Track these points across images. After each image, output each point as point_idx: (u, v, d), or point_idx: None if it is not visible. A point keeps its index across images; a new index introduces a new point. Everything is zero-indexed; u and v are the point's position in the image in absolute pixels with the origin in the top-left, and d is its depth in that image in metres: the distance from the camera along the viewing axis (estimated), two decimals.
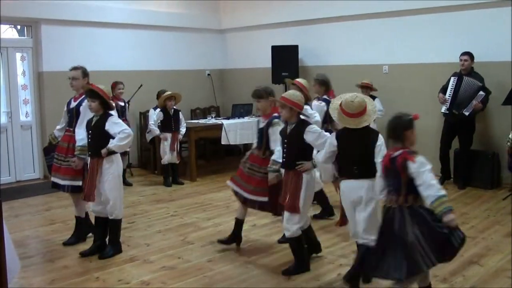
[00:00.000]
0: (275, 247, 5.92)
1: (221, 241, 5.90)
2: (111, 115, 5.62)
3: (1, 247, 3.42)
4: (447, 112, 8.42)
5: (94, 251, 5.72)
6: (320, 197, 6.82)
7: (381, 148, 4.31)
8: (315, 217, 6.81)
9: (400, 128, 4.00)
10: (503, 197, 7.75)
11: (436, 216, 3.86)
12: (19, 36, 9.87)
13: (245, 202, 5.66)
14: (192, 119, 11.21)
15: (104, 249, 5.72)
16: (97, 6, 10.19)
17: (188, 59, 11.85)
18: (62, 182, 5.97)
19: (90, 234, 6.16)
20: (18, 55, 9.62)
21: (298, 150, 4.97)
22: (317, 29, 10.86)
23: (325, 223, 6.72)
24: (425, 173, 3.84)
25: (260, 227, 6.66)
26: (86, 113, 5.85)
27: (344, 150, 4.51)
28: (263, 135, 5.57)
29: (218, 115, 11.34)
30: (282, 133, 5.14)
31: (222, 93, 12.45)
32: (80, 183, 5.92)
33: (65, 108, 6.21)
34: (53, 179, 6.10)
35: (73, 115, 6.01)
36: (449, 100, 8.35)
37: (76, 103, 6.03)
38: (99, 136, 5.53)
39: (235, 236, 5.88)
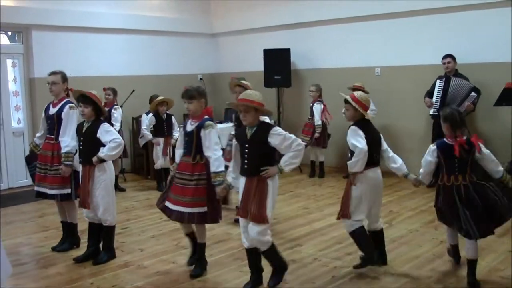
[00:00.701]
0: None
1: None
2: (103, 122, 5.60)
3: None
4: (436, 114, 8.44)
5: (88, 257, 5.69)
6: None
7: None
8: None
9: (464, 119, 4.91)
10: None
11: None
12: (10, 42, 9.84)
13: (183, 219, 5.07)
14: None
15: (98, 255, 5.69)
16: (88, 11, 10.17)
17: (180, 64, 11.84)
18: (50, 192, 5.91)
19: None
20: (9, 62, 9.60)
21: (261, 155, 4.61)
22: (309, 32, 10.88)
23: (320, 225, 6.72)
24: (491, 153, 4.79)
25: None
26: (69, 120, 5.81)
27: (368, 140, 4.97)
28: (192, 139, 5.04)
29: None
30: (241, 138, 4.75)
31: (215, 97, 12.42)
32: (69, 190, 5.90)
33: (43, 115, 6.13)
34: (37, 188, 6.06)
35: (54, 122, 5.92)
36: (437, 102, 8.39)
37: (56, 109, 5.94)
38: (91, 143, 5.51)
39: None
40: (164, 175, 9.24)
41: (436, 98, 8.42)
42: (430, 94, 8.60)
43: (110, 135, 5.47)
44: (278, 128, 4.68)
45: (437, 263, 5.41)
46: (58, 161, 5.83)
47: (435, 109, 8.42)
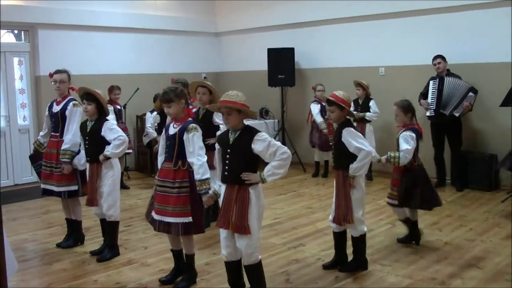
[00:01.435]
0: (273, 249, 5.93)
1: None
2: (107, 120, 5.64)
3: (1, 249, 3.44)
4: (433, 115, 8.46)
5: (103, 250, 5.80)
6: None
7: None
8: None
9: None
10: (502, 199, 7.78)
11: None
12: (16, 40, 9.88)
13: (169, 231, 4.76)
14: None
15: (102, 253, 5.75)
16: (93, 10, 10.21)
17: (184, 62, 11.85)
18: (57, 189, 5.96)
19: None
20: (16, 60, 9.65)
21: (244, 162, 4.26)
22: (313, 31, 10.89)
23: (323, 225, 6.73)
24: None
25: None
26: (72, 118, 5.87)
27: None
28: (174, 143, 4.72)
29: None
30: (223, 142, 4.41)
31: (219, 95, 12.45)
32: (75, 187, 5.95)
33: (47, 113, 6.18)
34: (43, 186, 6.11)
35: (58, 120, 5.99)
36: (433, 103, 8.41)
37: (60, 107, 6.00)
38: (96, 141, 5.56)
39: None
40: None
41: (432, 99, 8.45)
42: (424, 95, 8.65)
43: (114, 133, 5.50)
44: (263, 133, 4.28)
45: (442, 264, 5.41)
46: None
47: (432, 110, 8.44)
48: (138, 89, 9.98)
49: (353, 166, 4.95)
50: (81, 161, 5.86)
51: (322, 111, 9.50)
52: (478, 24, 8.60)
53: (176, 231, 4.70)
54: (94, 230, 6.62)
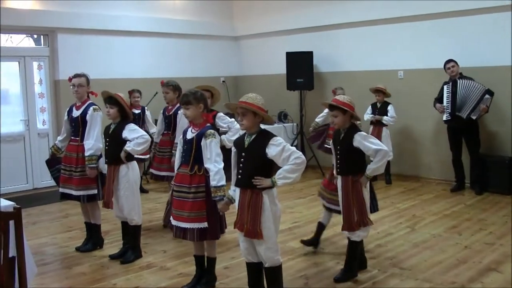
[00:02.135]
0: (291, 253, 5.92)
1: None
2: (128, 123, 5.67)
3: (21, 252, 3.48)
4: (449, 118, 8.42)
5: (123, 254, 5.83)
6: None
7: None
8: None
9: None
10: None
11: None
12: (35, 45, 9.97)
13: (185, 237, 4.74)
14: None
15: (125, 254, 5.80)
16: (112, 14, 10.29)
17: (203, 66, 11.88)
18: (76, 193, 5.98)
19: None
20: (35, 64, 9.74)
21: (258, 166, 4.22)
22: (331, 35, 10.86)
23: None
24: None
25: None
26: (93, 122, 5.90)
27: None
28: (191, 148, 4.71)
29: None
30: (238, 145, 4.39)
31: (237, 99, 12.40)
32: (95, 191, 5.98)
33: (66, 117, 6.20)
34: (62, 190, 6.12)
35: (79, 124, 6.00)
36: (448, 107, 8.38)
37: (79, 111, 6.02)
38: (116, 144, 5.60)
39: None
40: None
41: (446, 103, 8.42)
42: (438, 100, 8.63)
43: (137, 133, 5.56)
44: (279, 138, 4.23)
45: (461, 268, 5.36)
46: (83, 163, 5.90)
47: (447, 114, 8.40)
48: (156, 93, 10.01)
49: (371, 167, 4.90)
50: (102, 164, 5.91)
51: None
52: (496, 27, 8.51)
53: (191, 237, 4.69)
54: (113, 234, 6.66)
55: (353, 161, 4.99)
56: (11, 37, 9.68)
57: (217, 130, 6.37)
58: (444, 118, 8.52)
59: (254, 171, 4.21)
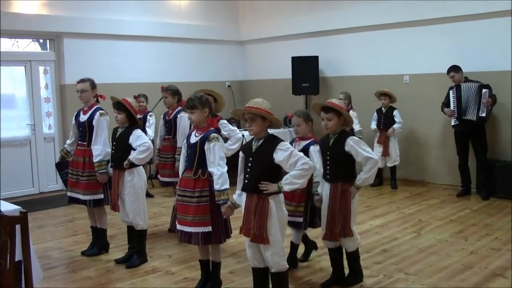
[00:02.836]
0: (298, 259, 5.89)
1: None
2: (136, 128, 5.68)
3: (27, 256, 3.50)
4: (457, 123, 8.42)
5: (129, 258, 5.83)
6: None
7: None
8: None
9: None
10: None
11: None
12: (41, 50, 10.00)
13: (190, 241, 4.72)
14: None
15: (131, 259, 5.81)
16: (118, 19, 10.32)
17: (208, 71, 11.89)
18: (83, 197, 6.00)
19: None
20: (41, 69, 9.77)
21: (265, 171, 4.21)
22: (337, 39, 10.85)
23: None
24: None
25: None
26: (100, 127, 5.91)
27: None
28: (195, 152, 4.70)
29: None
30: (246, 150, 4.40)
31: (243, 104, 12.32)
32: (101, 196, 6.00)
33: (74, 121, 6.23)
34: (70, 194, 6.15)
35: (85, 129, 6.02)
36: (455, 111, 8.38)
37: (86, 116, 6.04)
38: (122, 148, 5.61)
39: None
40: None
41: (453, 108, 8.40)
42: (446, 105, 8.64)
43: (140, 140, 5.55)
44: (286, 143, 4.25)
45: (467, 274, 5.33)
46: (90, 167, 5.92)
47: (455, 119, 8.40)
48: (162, 98, 10.02)
49: (362, 177, 4.75)
50: (108, 167, 5.93)
51: None
52: (502, 31, 8.49)
53: (196, 241, 4.68)
54: (119, 239, 6.66)
55: (344, 168, 4.83)
56: (17, 41, 9.71)
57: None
58: (453, 123, 8.51)
59: (261, 176, 4.19)
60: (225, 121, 6.43)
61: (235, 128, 6.39)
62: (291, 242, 5.56)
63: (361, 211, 7.69)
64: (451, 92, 8.48)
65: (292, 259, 5.46)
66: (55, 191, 9.70)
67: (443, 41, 9.23)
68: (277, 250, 4.26)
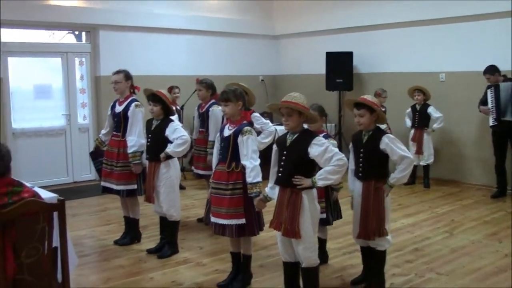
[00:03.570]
0: (328, 254, 5.87)
1: None
2: (172, 120, 5.72)
3: (64, 242, 3.56)
4: (496, 124, 8.24)
5: (161, 249, 5.90)
6: None
7: None
8: None
9: None
10: None
11: None
12: (77, 41, 10.14)
13: (223, 233, 4.76)
14: None
15: (162, 249, 5.87)
16: (153, 12, 10.40)
17: (241, 65, 11.91)
18: (116, 187, 6.07)
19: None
20: (77, 60, 9.91)
21: (298, 166, 4.20)
22: (372, 35, 10.77)
23: None
24: None
25: None
26: (135, 119, 5.96)
27: None
28: (229, 145, 4.73)
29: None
30: (280, 143, 4.39)
31: (276, 99, 12.41)
32: (134, 186, 6.06)
33: (109, 112, 6.31)
34: (103, 183, 6.23)
35: (120, 120, 6.08)
36: (493, 111, 8.21)
37: (122, 107, 6.10)
38: (158, 140, 5.65)
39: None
40: None
41: (491, 108, 8.24)
42: (483, 103, 8.46)
43: (178, 133, 5.58)
44: (321, 138, 4.24)
45: (501, 277, 5.25)
46: (124, 158, 5.99)
47: (494, 119, 8.24)
48: (195, 90, 10.06)
49: (396, 176, 4.64)
50: (143, 159, 5.99)
51: None
52: None
53: (230, 233, 4.70)
54: (151, 229, 6.73)
55: (377, 165, 4.74)
56: (53, 33, 9.88)
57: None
58: (491, 123, 8.34)
59: (294, 170, 4.18)
60: (258, 115, 6.41)
61: (268, 121, 6.37)
62: (318, 238, 5.52)
63: (393, 209, 7.57)
64: (488, 91, 8.33)
65: (323, 254, 5.44)
66: (88, 180, 9.84)
67: (482, 39, 9.06)
68: (309, 244, 4.25)
